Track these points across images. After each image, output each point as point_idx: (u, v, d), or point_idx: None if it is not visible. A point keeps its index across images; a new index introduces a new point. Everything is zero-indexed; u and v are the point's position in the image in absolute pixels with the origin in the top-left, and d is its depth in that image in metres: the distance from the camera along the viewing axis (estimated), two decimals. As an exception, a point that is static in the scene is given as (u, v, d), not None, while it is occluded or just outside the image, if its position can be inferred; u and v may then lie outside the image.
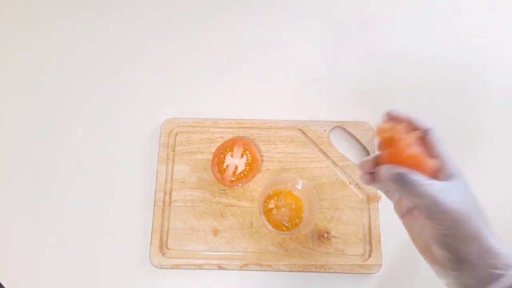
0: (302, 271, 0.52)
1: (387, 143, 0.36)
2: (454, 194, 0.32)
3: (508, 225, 0.55)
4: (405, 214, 0.37)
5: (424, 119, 0.36)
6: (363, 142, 0.57)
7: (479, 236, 0.32)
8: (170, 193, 0.55)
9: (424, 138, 0.36)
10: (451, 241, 0.31)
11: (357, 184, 0.56)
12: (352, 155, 0.57)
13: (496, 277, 0.30)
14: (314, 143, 0.58)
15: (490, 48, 0.65)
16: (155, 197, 0.55)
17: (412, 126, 0.37)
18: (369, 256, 0.52)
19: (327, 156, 0.57)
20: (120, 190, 0.57)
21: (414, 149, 0.35)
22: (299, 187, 0.54)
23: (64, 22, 0.68)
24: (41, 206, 0.57)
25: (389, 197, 0.39)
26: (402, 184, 0.32)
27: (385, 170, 0.34)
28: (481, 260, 0.31)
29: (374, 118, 0.60)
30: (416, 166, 0.34)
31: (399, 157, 0.35)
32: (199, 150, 0.58)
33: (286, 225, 0.53)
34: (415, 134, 0.36)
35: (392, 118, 0.38)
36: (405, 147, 0.35)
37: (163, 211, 0.54)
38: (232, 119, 0.59)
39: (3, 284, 0.53)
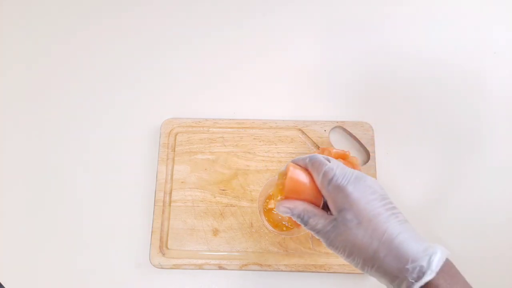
0: (302, 271, 0.52)
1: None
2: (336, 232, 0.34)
3: (508, 225, 0.55)
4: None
5: (306, 156, 0.38)
6: (363, 142, 0.58)
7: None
8: (170, 193, 0.55)
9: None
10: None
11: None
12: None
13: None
14: (314, 143, 0.58)
15: (490, 48, 0.65)
16: (155, 197, 0.55)
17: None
18: (369, 256, 0.52)
19: (327, 156, 0.57)
20: (120, 190, 0.57)
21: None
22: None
23: (64, 22, 0.68)
24: (41, 206, 0.57)
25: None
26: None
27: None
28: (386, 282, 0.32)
29: (374, 118, 0.60)
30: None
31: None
32: (199, 150, 0.58)
33: (286, 225, 0.53)
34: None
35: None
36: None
37: (163, 211, 0.54)
38: (232, 119, 0.59)
39: (3, 284, 0.53)
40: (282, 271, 0.52)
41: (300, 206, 0.36)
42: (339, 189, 0.34)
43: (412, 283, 0.30)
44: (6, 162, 0.59)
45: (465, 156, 0.59)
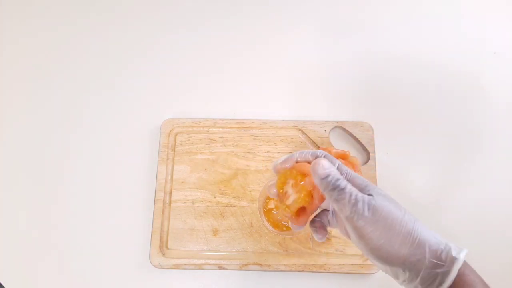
0: (302, 271, 0.52)
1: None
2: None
3: (508, 225, 0.55)
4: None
5: (308, 151, 0.37)
6: (363, 142, 0.57)
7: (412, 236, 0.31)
8: (170, 193, 0.55)
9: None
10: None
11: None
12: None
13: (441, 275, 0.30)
14: (314, 143, 0.58)
15: (490, 48, 0.65)
16: (155, 197, 0.55)
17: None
18: (369, 256, 0.52)
19: (327, 156, 0.57)
20: (120, 190, 0.57)
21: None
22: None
23: (65, 22, 0.68)
24: (41, 206, 0.57)
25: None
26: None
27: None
28: (422, 261, 0.30)
29: (374, 118, 0.60)
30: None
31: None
32: (199, 150, 0.58)
33: (286, 225, 0.53)
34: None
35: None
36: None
37: (163, 211, 0.54)
38: (232, 119, 0.59)
39: (3, 284, 0.53)
40: (282, 271, 0.52)
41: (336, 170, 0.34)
42: (358, 177, 0.34)
43: (455, 259, 0.29)
44: (6, 162, 0.59)
45: (465, 155, 0.59)
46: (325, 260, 0.52)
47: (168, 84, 0.64)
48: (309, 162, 0.37)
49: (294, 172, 0.38)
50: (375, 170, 0.56)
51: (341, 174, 0.34)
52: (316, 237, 0.39)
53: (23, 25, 0.68)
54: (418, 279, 0.30)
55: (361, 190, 0.33)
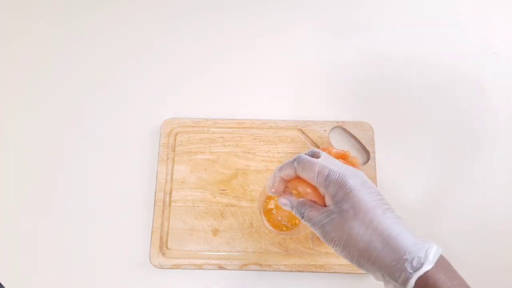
0: (302, 271, 0.52)
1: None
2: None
3: (508, 225, 0.55)
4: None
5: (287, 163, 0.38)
6: (363, 142, 0.58)
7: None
8: (170, 193, 0.55)
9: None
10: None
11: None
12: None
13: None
14: (314, 143, 0.58)
15: (490, 48, 0.65)
16: (155, 197, 0.55)
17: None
18: (369, 256, 0.52)
19: (327, 156, 0.57)
20: (120, 190, 0.57)
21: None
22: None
23: (64, 22, 0.68)
24: (41, 206, 0.57)
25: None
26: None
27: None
28: (381, 276, 0.32)
29: (374, 118, 0.60)
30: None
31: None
32: (199, 150, 0.58)
33: (286, 225, 0.53)
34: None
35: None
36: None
37: (163, 211, 0.54)
38: (232, 119, 0.59)
39: (3, 284, 0.53)
40: (282, 271, 0.52)
41: (299, 199, 0.38)
42: (336, 183, 0.34)
43: (411, 274, 0.30)
44: (6, 162, 0.59)
45: (465, 156, 0.59)
46: (325, 260, 0.52)
47: (168, 84, 0.64)
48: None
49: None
50: (375, 170, 0.56)
51: (319, 182, 0.35)
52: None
53: (24, 26, 0.68)
54: (385, 285, 0.33)
55: (333, 201, 0.34)
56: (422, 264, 0.30)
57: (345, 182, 0.34)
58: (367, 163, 0.57)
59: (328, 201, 0.35)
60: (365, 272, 0.34)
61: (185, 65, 0.65)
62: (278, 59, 0.65)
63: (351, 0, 0.69)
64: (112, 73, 0.64)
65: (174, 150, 0.58)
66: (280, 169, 0.38)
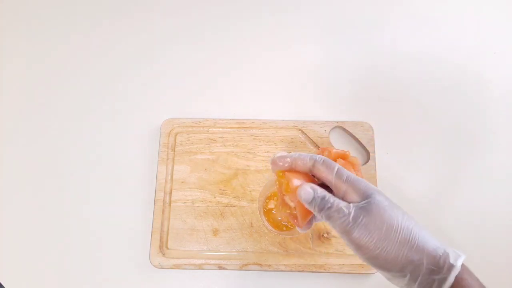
0: (302, 271, 0.52)
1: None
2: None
3: (508, 225, 0.55)
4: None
5: (306, 155, 0.36)
6: (363, 142, 0.57)
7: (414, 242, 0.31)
8: (170, 193, 0.55)
9: (313, 172, 0.36)
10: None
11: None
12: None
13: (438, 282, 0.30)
14: (314, 143, 0.58)
15: (490, 48, 0.65)
16: (155, 197, 0.55)
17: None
18: (369, 256, 0.52)
19: (327, 156, 0.57)
20: (120, 190, 0.57)
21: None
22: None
23: (64, 22, 0.68)
24: (41, 206, 0.57)
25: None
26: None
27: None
28: (420, 267, 0.31)
29: (374, 118, 0.60)
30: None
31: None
32: (199, 150, 0.58)
33: (286, 225, 0.53)
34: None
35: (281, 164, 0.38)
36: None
37: (163, 211, 0.54)
38: (232, 119, 0.59)
39: (3, 284, 0.53)
40: (282, 271, 0.52)
41: (321, 189, 0.35)
42: (359, 181, 0.33)
43: (455, 260, 0.30)
44: (7, 162, 0.59)
45: (466, 156, 0.59)
46: (325, 260, 0.52)
47: (168, 84, 0.64)
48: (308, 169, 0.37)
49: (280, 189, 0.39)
50: (375, 170, 0.56)
51: (340, 178, 0.34)
52: (299, 229, 0.39)
53: (24, 25, 0.68)
54: (416, 285, 0.31)
55: (360, 195, 0.33)
56: (459, 254, 0.30)
57: (366, 182, 0.34)
58: (367, 163, 0.57)
59: (352, 197, 0.33)
60: (394, 272, 0.31)
61: (185, 65, 0.65)
62: (278, 59, 0.65)
63: (351, 1, 0.69)
64: (112, 73, 0.64)
65: (174, 150, 0.58)
66: (300, 155, 0.36)
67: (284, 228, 0.52)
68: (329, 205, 0.33)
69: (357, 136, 0.58)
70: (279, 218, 0.53)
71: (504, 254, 0.54)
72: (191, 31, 0.67)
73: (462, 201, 0.56)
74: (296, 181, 0.36)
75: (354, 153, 0.58)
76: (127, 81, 0.64)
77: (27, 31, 0.67)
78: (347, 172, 0.34)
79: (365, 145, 0.57)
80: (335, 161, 0.46)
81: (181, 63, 0.65)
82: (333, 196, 0.34)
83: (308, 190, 0.34)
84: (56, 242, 0.55)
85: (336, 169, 0.34)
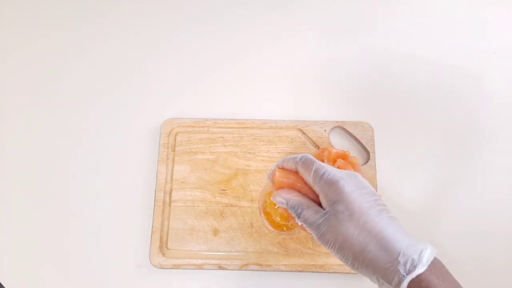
0: (302, 271, 0.52)
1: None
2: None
3: (508, 226, 0.55)
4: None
5: (291, 157, 0.38)
6: (363, 142, 0.57)
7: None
8: (170, 193, 0.55)
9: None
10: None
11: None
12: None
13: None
14: (314, 143, 0.58)
15: (490, 48, 0.65)
16: (155, 197, 0.55)
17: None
18: (369, 256, 0.52)
19: (327, 156, 0.57)
20: (120, 190, 0.57)
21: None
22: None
23: (64, 22, 0.68)
24: (41, 206, 0.57)
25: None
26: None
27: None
28: (374, 277, 0.32)
29: (374, 118, 0.60)
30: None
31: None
32: (199, 150, 0.58)
33: (286, 225, 0.52)
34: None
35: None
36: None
37: (163, 211, 0.54)
38: (232, 119, 0.59)
39: (3, 284, 0.53)
40: (282, 271, 0.52)
41: (295, 197, 0.37)
42: (331, 183, 0.34)
43: (404, 276, 0.30)
44: (6, 162, 0.59)
45: (465, 156, 0.59)
46: (325, 260, 0.52)
47: (168, 84, 0.64)
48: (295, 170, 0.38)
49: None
50: (375, 170, 0.56)
51: (315, 181, 0.35)
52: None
53: (24, 25, 0.68)
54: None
55: (328, 201, 0.34)
56: (415, 267, 0.30)
57: (339, 182, 0.34)
58: (367, 163, 0.57)
59: (323, 202, 0.35)
60: (360, 274, 0.34)
61: (185, 65, 0.65)
62: (278, 59, 0.65)
63: (352, 1, 0.69)
64: (112, 73, 0.64)
65: (174, 150, 0.58)
66: (284, 160, 0.39)
67: (284, 228, 0.52)
68: (298, 213, 0.36)
69: (357, 136, 0.58)
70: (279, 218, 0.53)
71: (503, 256, 0.54)
72: (192, 31, 0.67)
73: (461, 201, 0.56)
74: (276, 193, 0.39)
75: (354, 153, 0.58)
76: (127, 81, 0.64)
77: (26, 31, 0.67)
78: (324, 172, 0.35)
79: (365, 145, 0.57)
80: (335, 161, 0.46)
81: (181, 63, 0.65)
82: (304, 204, 0.36)
83: (279, 200, 0.37)
84: (56, 242, 0.55)
85: (313, 170, 0.35)
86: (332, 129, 0.59)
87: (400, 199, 0.56)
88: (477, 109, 0.61)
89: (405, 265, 0.30)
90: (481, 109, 0.61)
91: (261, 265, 0.52)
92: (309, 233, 0.39)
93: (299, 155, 0.38)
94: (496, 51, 0.65)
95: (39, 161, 0.59)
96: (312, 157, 0.37)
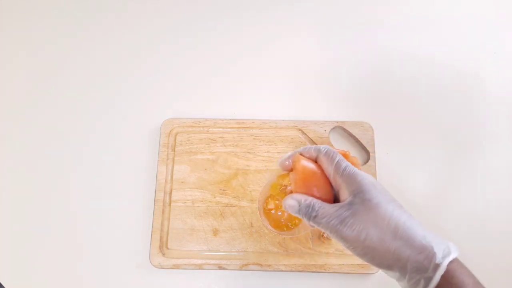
0: (302, 271, 0.52)
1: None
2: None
3: (508, 225, 0.55)
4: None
5: (312, 147, 0.38)
6: (363, 142, 0.57)
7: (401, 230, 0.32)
8: (170, 193, 0.55)
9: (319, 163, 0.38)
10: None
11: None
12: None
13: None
14: (314, 143, 0.58)
15: (490, 48, 0.65)
16: (155, 197, 0.55)
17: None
18: (369, 256, 0.52)
19: (327, 156, 0.57)
20: (120, 190, 0.57)
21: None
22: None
23: (64, 22, 0.68)
24: (41, 206, 0.57)
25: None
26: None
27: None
28: (407, 264, 0.31)
29: (374, 118, 0.60)
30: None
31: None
32: (199, 150, 0.58)
33: (286, 225, 0.52)
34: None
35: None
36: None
37: (163, 211, 0.54)
38: (232, 119, 0.59)
39: (3, 284, 0.53)
40: (282, 271, 0.52)
41: (309, 198, 0.36)
42: (353, 176, 0.34)
43: (442, 259, 0.30)
44: (6, 162, 0.59)
45: (465, 155, 0.59)
46: (325, 260, 0.52)
47: (168, 84, 0.64)
48: (314, 159, 0.38)
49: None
50: (375, 170, 0.56)
51: (338, 171, 0.35)
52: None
53: (24, 25, 0.68)
54: (406, 281, 0.31)
55: (351, 192, 0.34)
56: (449, 252, 0.30)
57: (361, 175, 0.34)
58: (367, 163, 0.57)
59: (343, 194, 0.35)
60: (384, 268, 0.32)
61: (185, 65, 0.65)
62: (278, 59, 0.65)
63: (351, 1, 0.69)
64: (112, 73, 0.64)
65: (174, 150, 0.58)
66: (305, 148, 0.38)
67: (284, 228, 0.52)
68: (314, 214, 0.34)
69: (357, 136, 0.58)
70: (280, 219, 0.53)
71: (504, 254, 0.54)
72: (192, 30, 0.67)
73: (462, 201, 0.56)
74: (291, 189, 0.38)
75: (354, 153, 0.58)
76: (127, 81, 0.64)
77: (26, 31, 0.67)
78: (346, 164, 0.35)
79: (365, 145, 0.57)
80: None
81: (181, 63, 0.65)
82: (319, 202, 0.35)
83: (291, 203, 0.36)
84: (56, 242, 0.55)
85: (336, 161, 0.36)
86: (332, 129, 0.59)
87: (400, 199, 0.55)
88: (477, 109, 0.61)
89: (441, 249, 0.30)
90: (481, 109, 0.61)
91: (261, 265, 0.52)
92: (310, 232, 0.39)
93: (322, 146, 0.38)
94: (496, 51, 0.65)
95: (39, 161, 0.59)
96: (332, 149, 0.37)
